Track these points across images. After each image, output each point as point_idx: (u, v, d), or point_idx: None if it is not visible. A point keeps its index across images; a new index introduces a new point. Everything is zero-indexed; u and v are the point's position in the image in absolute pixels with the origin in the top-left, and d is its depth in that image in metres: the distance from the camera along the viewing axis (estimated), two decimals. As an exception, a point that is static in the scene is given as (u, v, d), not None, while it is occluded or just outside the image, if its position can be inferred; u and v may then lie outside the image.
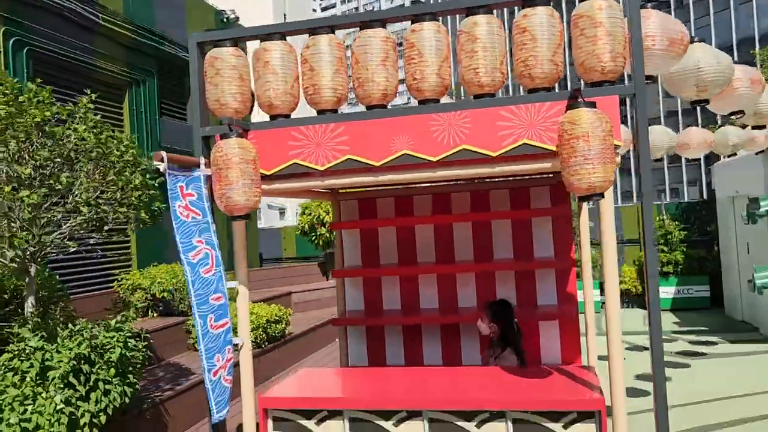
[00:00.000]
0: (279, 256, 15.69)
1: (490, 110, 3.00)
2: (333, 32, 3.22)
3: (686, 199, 38.19)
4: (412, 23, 3.10)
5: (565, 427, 3.09)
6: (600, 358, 4.54)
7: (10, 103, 3.84)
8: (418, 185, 4.72)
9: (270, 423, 3.48)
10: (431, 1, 3.19)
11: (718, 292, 12.37)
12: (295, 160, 3.23)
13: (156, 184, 4.47)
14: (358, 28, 3.20)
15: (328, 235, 11.36)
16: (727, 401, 6.56)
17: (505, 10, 3.41)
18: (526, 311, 4.55)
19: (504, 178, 4.58)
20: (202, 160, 3.26)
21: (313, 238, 11.66)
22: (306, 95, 3.24)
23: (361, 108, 3.23)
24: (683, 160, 46.81)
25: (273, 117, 3.30)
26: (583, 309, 4.95)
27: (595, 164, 2.62)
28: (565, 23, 2.72)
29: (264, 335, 6.92)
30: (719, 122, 11.04)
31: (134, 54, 8.46)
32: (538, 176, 4.58)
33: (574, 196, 4.22)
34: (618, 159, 2.86)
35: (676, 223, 13.36)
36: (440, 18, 3.11)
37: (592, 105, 2.71)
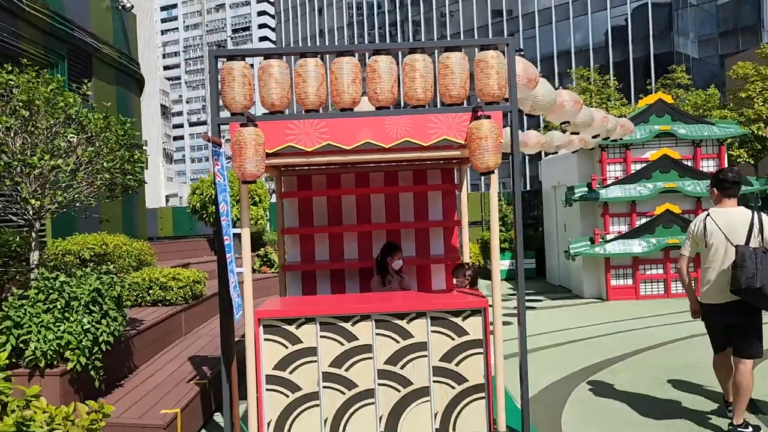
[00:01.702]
0: (155, 234, 16.24)
1: (424, 116, 4.67)
2: (317, 56, 4.69)
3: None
4: (374, 55, 4.66)
5: (463, 319, 4.86)
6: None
7: (33, 89, 4.81)
8: (345, 166, 6.28)
9: (261, 329, 4.87)
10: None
11: (541, 265, 15.24)
12: (290, 143, 4.66)
13: (144, 159, 5.56)
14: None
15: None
16: (552, 334, 8.89)
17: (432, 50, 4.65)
18: (423, 258, 6.33)
19: (410, 162, 6.27)
20: (223, 141, 4.57)
21: (204, 215, 12.62)
22: (298, 99, 4.68)
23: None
24: (510, 159, 52.45)
25: (272, 113, 4.69)
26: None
27: (492, 153, 4.39)
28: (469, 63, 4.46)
29: (190, 293, 8.05)
30: (546, 126, 13.65)
31: (50, 38, 9.00)
32: (432, 162, 6.34)
33: (462, 173, 6.04)
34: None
35: (511, 207, 16.08)
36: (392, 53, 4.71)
37: (489, 117, 4.48)
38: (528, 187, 44.65)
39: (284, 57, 4.73)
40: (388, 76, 4.62)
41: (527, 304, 11.72)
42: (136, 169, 5.33)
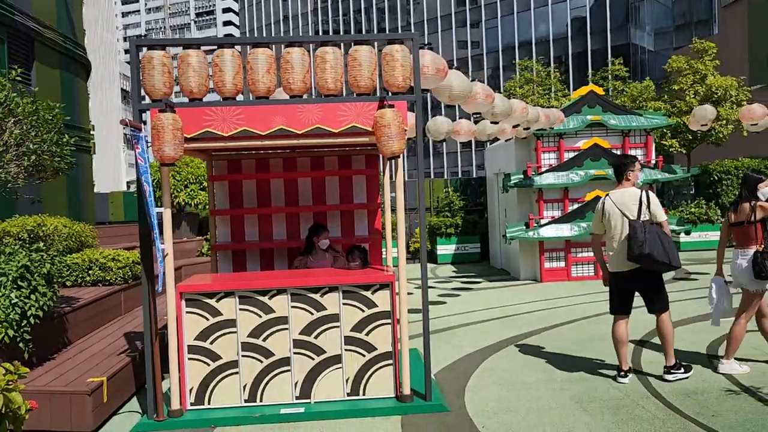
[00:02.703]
0: (106, 219, 16.31)
1: (334, 105, 5.03)
2: (234, 47, 5.00)
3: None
4: (287, 47, 5.00)
5: (373, 293, 5.27)
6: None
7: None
8: (273, 152, 6.61)
9: (183, 303, 5.19)
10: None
11: (485, 249, 15.81)
12: (207, 129, 4.98)
13: (72, 142, 5.79)
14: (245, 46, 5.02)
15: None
16: (480, 312, 9.39)
17: (343, 43, 4.94)
18: (348, 238, 6.72)
19: (335, 148, 6.63)
20: (144, 126, 4.87)
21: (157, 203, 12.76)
22: (216, 87, 4.99)
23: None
24: (473, 147, 53.30)
25: (191, 100, 5.00)
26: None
27: (395, 140, 4.78)
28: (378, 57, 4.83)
29: (130, 273, 8.29)
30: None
31: (-12, 21, 9.09)
32: (356, 148, 6.71)
33: (384, 159, 6.44)
34: (406, 137, 5.07)
35: (458, 194, 16.60)
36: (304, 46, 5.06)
37: (392, 106, 4.86)
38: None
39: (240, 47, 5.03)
40: (300, 67, 4.97)
41: (466, 285, 12.24)
42: (64, 152, 5.59)
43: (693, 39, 18.77)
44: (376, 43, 5.15)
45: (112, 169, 54.45)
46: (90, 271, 8.00)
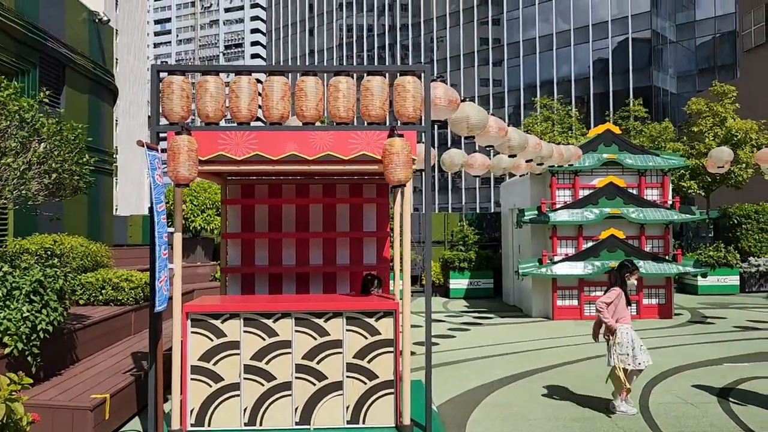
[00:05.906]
0: (124, 241, 16.54)
1: (346, 132, 5.13)
2: (250, 74, 5.15)
3: (491, 216, 43.91)
4: (301, 76, 5.14)
5: (377, 320, 5.28)
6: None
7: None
8: (286, 177, 6.72)
9: (189, 322, 5.25)
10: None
11: (499, 284, 15.71)
12: (221, 152, 5.10)
13: (93, 163, 5.96)
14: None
15: (183, 222, 12.74)
16: (490, 347, 9.31)
17: (356, 74, 5.08)
18: (357, 265, 6.75)
19: (347, 176, 6.72)
20: (159, 147, 5.01)
21: (170, 223, 12.98)
22: (231, 113, 5.13)
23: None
24: (492, 183, 53.34)
25: (207, 124, 5.14)
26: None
27: (402, 168, 4.85)
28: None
29: (142, 294, 8.40)
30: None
31: (22, 47, 9.42)
32: (368, 177, 6.80)
33: (390, 187, 6.51)
34: (414, 166, 5.14)
35: (472, 228, 16.59)
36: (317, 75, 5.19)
37: (401, 136, 4.94)
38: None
39: (257, 74, 5.20)
40: (314, 95, 5.09)
41: (477, 320, 12.16)
42: (83, 171, 5.75)
43: (714, 82, 18.79)
44: (387, 75, 5.25)
45: (135, 194, 55.20)
46: (103, 291, 8.12)
